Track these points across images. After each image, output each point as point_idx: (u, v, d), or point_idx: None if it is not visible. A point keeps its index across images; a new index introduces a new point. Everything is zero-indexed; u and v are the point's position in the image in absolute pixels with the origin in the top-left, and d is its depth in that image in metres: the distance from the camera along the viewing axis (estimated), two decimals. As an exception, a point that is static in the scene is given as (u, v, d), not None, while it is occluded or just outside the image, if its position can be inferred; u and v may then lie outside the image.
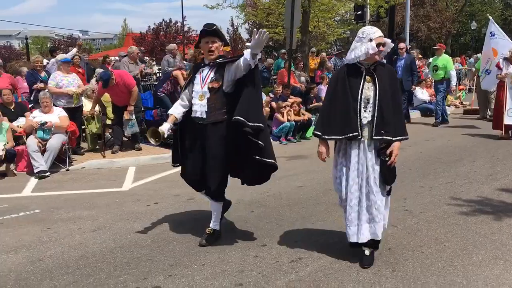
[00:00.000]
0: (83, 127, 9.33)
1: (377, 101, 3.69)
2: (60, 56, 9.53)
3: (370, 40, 3.68)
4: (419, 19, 36.44)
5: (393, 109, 3.72)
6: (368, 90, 3.73)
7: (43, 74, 9.70)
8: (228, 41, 35.70)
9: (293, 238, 4.56)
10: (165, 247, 4.42)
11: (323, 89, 12.10)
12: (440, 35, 36.33)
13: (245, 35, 37.65)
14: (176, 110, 4.41)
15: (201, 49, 4.45)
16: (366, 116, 3.72)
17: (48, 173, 7.73)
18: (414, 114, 13.48)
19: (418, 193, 5.98)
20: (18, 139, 8.24)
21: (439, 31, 36.53)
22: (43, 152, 7.83)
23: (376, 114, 3.68)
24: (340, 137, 3.77)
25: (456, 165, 7.48)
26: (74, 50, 11.29)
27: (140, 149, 9.10)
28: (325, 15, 17.63)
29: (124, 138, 9.36)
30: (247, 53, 4.00)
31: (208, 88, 4.21)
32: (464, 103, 15.95)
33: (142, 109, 9.80)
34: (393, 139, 3.70)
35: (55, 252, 4.40)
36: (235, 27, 36.69)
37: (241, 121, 3.96)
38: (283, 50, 15.60)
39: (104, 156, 8.71)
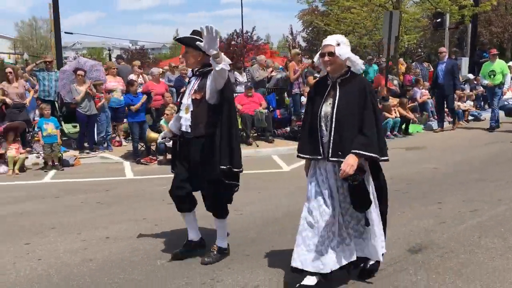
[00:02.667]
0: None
1: (334, 118, 3.37)
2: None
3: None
4: (481, 24, 36.71)
5: (359, 127, 3.35)
6: (328, 106, 3.44)
7: (187, 79, 11.52)
8: (287, 49, 36.52)
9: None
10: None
11: (418, 91, 13.46)
12: (503, 39, 36.61)
13: (303, 44, 39.23)
14: (172, 125, 4.37)
15: None
16: (326, 134, 3.43)
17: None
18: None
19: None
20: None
21: (502, 35, 36.81)
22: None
23: (333, 132, 3.37)
24: (309, 156, 3.57)
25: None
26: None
27: (272, 141, 10.84)
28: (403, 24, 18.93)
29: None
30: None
31: (192, 100, 4.04)
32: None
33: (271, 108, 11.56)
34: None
35: (258, 209, 5.88)
36: (294, 35, 38.37)
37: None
38: (370, 57, 17.02)
39: (251, 144, 10.49)
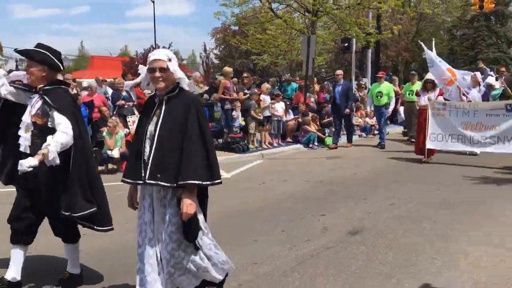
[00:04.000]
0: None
1: (155, 138, 3.10)
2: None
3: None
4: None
5: (183, 148, 3.06)
6: (152, 125, 3.18)
7: (124, 93, 12.01)
8: (201, 65, 38.01)
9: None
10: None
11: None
12: (397, 62, 40.62)
13: (216, 61, 40.38)
14: None
15: None
16: (148, 156, 3.14)
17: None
18: (401, 129, 16.57)
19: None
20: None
21: (396, 58, 40.80)
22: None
23: (152, 153, 3.08)
24: (131, 181, 3.25)
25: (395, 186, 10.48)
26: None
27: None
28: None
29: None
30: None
31: (32, 121, 3.68)
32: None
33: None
34: (171, 185, 3.05)
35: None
36: (207, 52, 39.59)
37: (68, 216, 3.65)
38: (288, 75, 18.55)
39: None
